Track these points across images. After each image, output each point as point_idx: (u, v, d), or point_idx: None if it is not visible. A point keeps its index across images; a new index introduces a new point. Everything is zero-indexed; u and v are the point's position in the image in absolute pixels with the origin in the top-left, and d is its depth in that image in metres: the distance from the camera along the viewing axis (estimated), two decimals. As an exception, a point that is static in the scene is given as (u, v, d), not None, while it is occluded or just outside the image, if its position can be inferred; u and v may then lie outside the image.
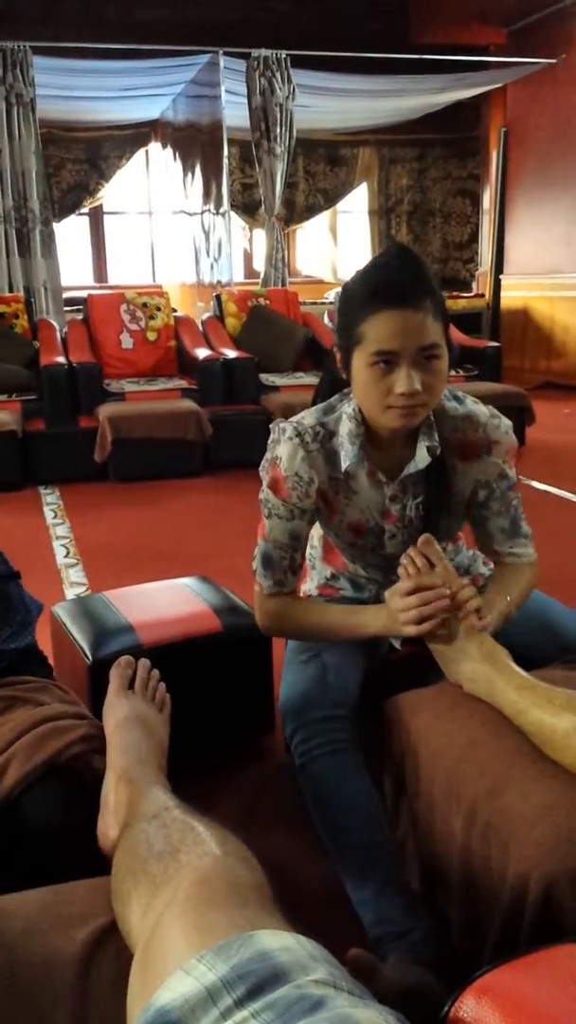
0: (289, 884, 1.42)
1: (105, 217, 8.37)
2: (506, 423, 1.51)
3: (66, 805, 1.18)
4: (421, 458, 1.43)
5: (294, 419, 1.51)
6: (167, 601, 1.95)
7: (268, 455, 1.51)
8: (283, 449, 1.47)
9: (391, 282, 1.32)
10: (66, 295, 6.59)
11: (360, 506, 1.52)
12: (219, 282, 6.78)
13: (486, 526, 1.56)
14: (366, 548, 1.58)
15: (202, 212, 7.08)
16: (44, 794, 1.18)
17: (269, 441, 1.52)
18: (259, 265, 7.46)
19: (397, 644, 1.62)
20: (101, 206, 8.22)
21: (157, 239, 8.46)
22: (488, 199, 8.35)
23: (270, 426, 1.54)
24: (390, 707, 1.44)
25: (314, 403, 1.57)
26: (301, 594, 1.75)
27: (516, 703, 1.24)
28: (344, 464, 1.45)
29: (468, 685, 1.34)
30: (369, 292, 1.33)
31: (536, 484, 4.33)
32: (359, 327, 1.32)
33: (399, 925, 1.25)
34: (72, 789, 1.21)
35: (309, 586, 1.76)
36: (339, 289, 1.44)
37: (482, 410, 1.51)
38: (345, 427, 1.46)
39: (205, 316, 5.86)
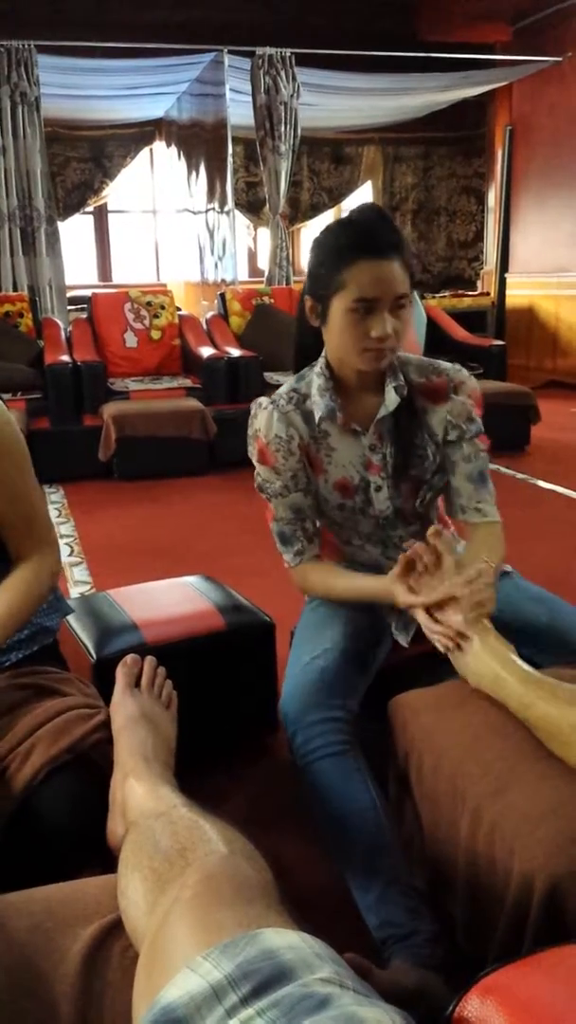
0: (295, 882, 1.43)
1: (109, 216, 8.37)
2: (467, 372, 1.63)
3: (84, 794, 1.21)
4: (390, 400, 1.54)
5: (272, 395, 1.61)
6: (171, 599, 1.96)
7: (249, 431, 1.61)
8: (260, 419, 1.58)
9: (372, 234, 1.44)
10: (70, 294, 6.59)
11: (342, 463, 1.60)
12: (223, 281, 6.78)
13: (455, 474, 1.60)
14: (356, 511, 1.63)
15: (206, 211, 7.08)
16: (64, 782, 1.20)
17: (249, 419, 1.61)
18: (263, 264, 7.46)
19: (404, 642, 1.62)
20: (105, 205, 8.23)
21: (161, 238, 8.47)
22: (493, 197, 8.34)
23: (250, 406, 1.62)
24: (394, 707, 1.43)
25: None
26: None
27: (522, 697, 1.24)
28: (317, 415, 1.55)
29: (474, 679, 1.34)
30: (351, 243, 1.44)
31: (541, 483, 4.33)
32: (340, 275, 1.43)
33: (403, 928, 1.25)
34: (91, 778, 1.23)
35: None
36: (313, 242, 1.53)
37: (444, 362, 1.63)
38: (315, 384, 1.58)
39: (209, 315, 5.86)
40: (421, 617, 1.39)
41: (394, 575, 1.42)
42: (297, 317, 1.63)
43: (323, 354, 1.58)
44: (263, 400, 1.60)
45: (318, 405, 1.56)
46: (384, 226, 1.46)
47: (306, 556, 1.61)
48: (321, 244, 1.50)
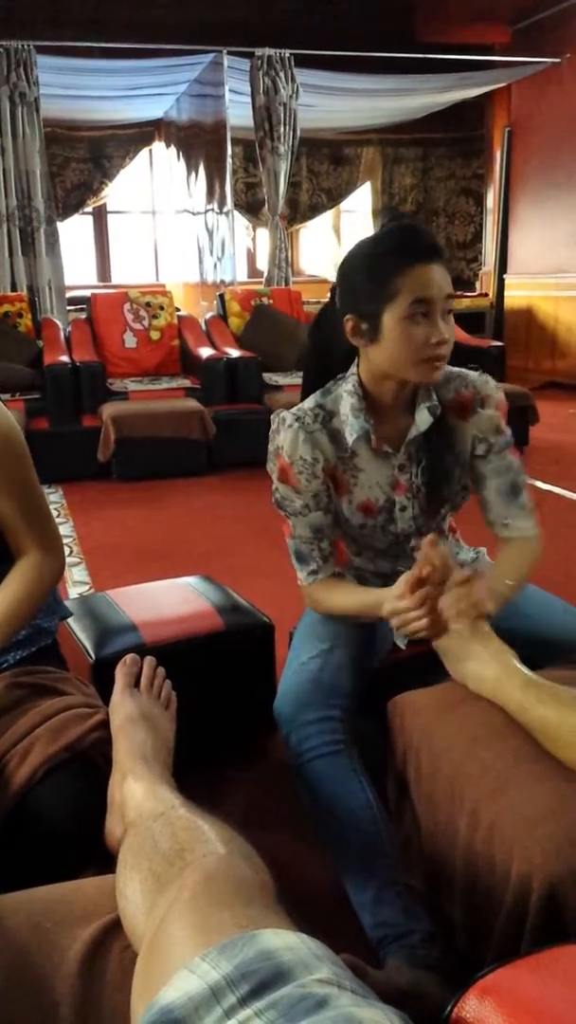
0: (292, 883, 1.42)
1: (109, 216, 8.38)
2: (492, 380, 1.60)
3: (83, 793, 1.21)
4: (423, 420, 1.50)
5: (294, 408, 1.54)
6: (170, 600, 1.96)
7: (271, 447, 1.54)
8: (284, 437, 1.51)
9: (415, 239, 1.43)
10: (70, 294, 6.59)
11: (367, 484, 1.55)
12: (222, 281, 6.79)
13: (485, 489, 1.58)
14: (376, 529, 1.60)
15: (206, 211, 7.08)
16: (63, 781, 1.20)
17: (271, 432, 1.55)
18: (262, 264, 7.46)
19: (401, 644, 1.62)
20: (105, 205, 8.23)
21: (161, 238, 8.47)
22: (492, 198, 8.34)
23: (271, 417, 1.57)
24: (393, 707, 1.43)
25: (303, 399, 1.60)
26: None
27: (522, 700, 1.24)
28: (350, 438, 1.50)
29: (474, 683, 1.34)
30: (398, 250, 1.41)
31: (540, 484, 4.33)
32: (393, 282, 1.39)
33: (399, 928, 1.25)
34: (90, 777, 1.23)
35: None
36: (345, 261, 1.49)
37: (467, 370, 1.59)
38: (346, 403, 1.51)
39: (208, 315, 5.86)
40: (399, 606, 1.34)
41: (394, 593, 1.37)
42: (315, 340, 1.60)
43: (354, 372, 1.53)
44: (287, 416, 1.52)
45: (351, 426, 1.50)
46: (424, 231, 1.47)
47: (320, 576, 1.57)
48: (362, 259, 1.45)
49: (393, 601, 1.35)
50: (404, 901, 1.28)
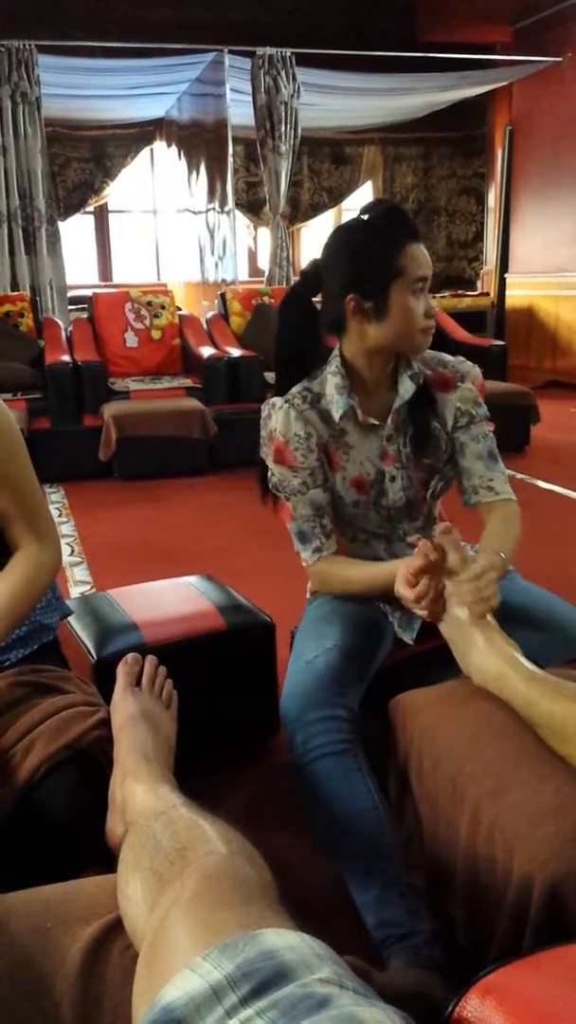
0: (294, 883, 1.42)
1: (110, 216, 8.38)
2: (470, 362, 1.70)
3: (84, 790, 1.21)
4: (406, 389, 1.60)
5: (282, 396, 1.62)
6: (171, 599, 1.96)
7: (264, 432, 1.62)
8: (276, 418, 1.59)
9: (406, 220, 1.54)
10: (71, 294, 6.60)
11: (358, 459, 1.63)
12: (224, 281, 6.79)
13: (466, 455, 1.64)
14: (369, 504, 1.66)
15: (207, 211, 7.08)
16: (64, 779, 1.20)
17: (262, 420, 1.62)
18: (264, 263, 7.46)
19: (409, 639, 1.62)
20: (106, 205, 8.23)
21: (162, 238, 8.47)
22: (493, 197, 8.34)
23: (261, 407, 1.64)
24: (395, 706, 1.43)
25: (279, 390, 1.66)
26: (308, 592, 1.76)
27: (526, 695, 1.23)
28: (337, 415, 1.58)
29: (478, 677, 1.33)
30: (396, 230, 1.52)
31: (541, 483, 4.33)
32: (399, 260, 1.50)
33: (402, 928, 1.25)
34: (91, 775, 1.23)
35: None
36: (337, 245, 1.58)
37: (445, 354, 1.70)
38: (331, 383, 1.60)
39: (209, 315, 5.86)
40: (402, 589, 1.38)
41: (404, 570, 1.39)
42: (287, 331, 1.66)
43: (336, 354, 1.61)
44: (276, 400, 1.61)
45: (337, 404, 1.58)
46: (405, 212, 1.57)
47: (324, 553, 1.62)
48: (361, 239, 1.54)
49: (403, 589, 1.38)
50: (407, 901, 1.28)
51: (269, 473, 1.62)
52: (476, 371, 1.69)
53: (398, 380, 1.61)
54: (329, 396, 1.59)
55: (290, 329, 1.67)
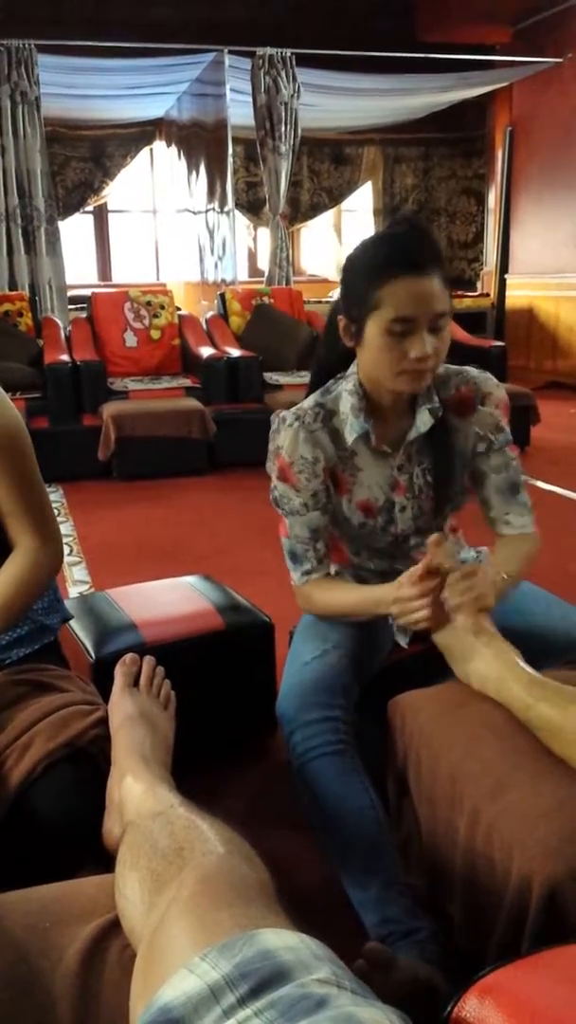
0: (292, 882, 1.42)
1: (110, 215, 8.37)
2: (493, 377, 1.58)
3: (82, 789, 1.21)
4: (423, 422, 1.49)
5: (294, 407, 1.54)
6: (170, 599, 1.96)
7: (271, 446, 1.54)
8: (284, 436, 1.50)
9: (407, 250, 1.37)
10: (70, 293, 6.59)
11: (367, 483, 1.55)
12: (223, 281, 6.78)
13: (484, 486, 1.57)
14: (376, 529, 1.59)
15: (206, 211, 7.08)
16: (62, 777, 1.20)
17: (271, 433, 1.54)
18: (263, 264, 7.46)
19: (403, 643, 1.62)
20: (106, 204, 8.23)
21: (161, 237, 8.47)
22: (493, 198, 8.34)
23: (271, 417, 1.56)
24: (393, 707, 1.43)
25: (308, 395, 1.59)
26: None
27: (525, 699, 1.23)
28: (349, 438, 1.49)
29: (477, 682, 1.33)
30: (386, 260, 1.36)
31: (541, 484, 4.33)
32: (376, 293, 1.35)
33: (405, 925, 1.25)
34: (89, 774, 1.23)
35: None
36: (345, 258, 1.47)
37: (468, 367, 1.57)
38: (346, 403, 1.50)
39: (209, 315, 5.86)
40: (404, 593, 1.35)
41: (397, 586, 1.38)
42: (325, 336, 1.56)
43: (354, 372, 1.52)
44: (287, 415, 1.51)
45: (351, 426, 1.49)
46: (421, 239, 1.39)
47: (313, 576, 1.56)
48: (355, 261, 1.43)
49: (398, 590, 1.36)
50: (407, 900, 1.28)
51: (272, 485, 1.55)
52: (500, 391, 1.56)
53: (416, 408, 1.50)
54: (343, 416, 1.50)
55: (327, 336, 1.56)
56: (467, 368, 1.56)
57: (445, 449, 1.53)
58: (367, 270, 1.38)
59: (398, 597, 1.35)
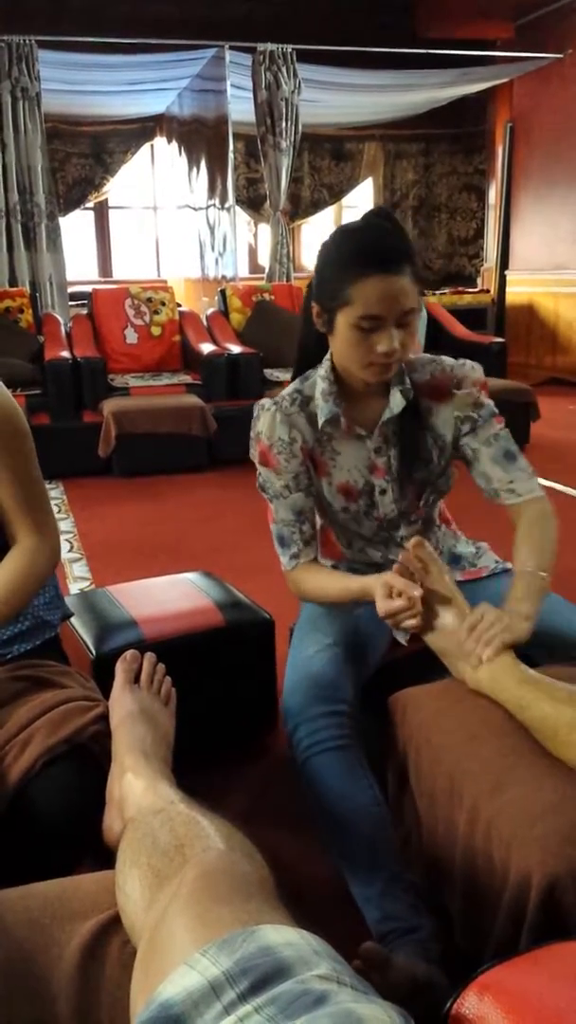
0: (292, 878, 1.43)
1: (110, 212, 8.36)
2: (471, 363, 1.58)
3: (82, 785, 1.21)
4: (396, 403, 1.52)
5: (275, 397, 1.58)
6: (170, 596, 1.96)
7: (252, 434, 1.58)
8: (263, 421, 1.56)
9: (377, 248, 1.39)
10: (71, 289, 6.58)
11: (346, 466, 1.58)
12: (224, 277, 6.78)
13: (480, 462, 1.56)
14: (360, 514, 1.61)
15: (207, 207, 7.07)
16: (62, 773, 1.20)
17: (252, 421, 1.59)
18: (264, 260, 7.45)
19: (402, 640, 1.62)
20: (106, 200, 8.21)
21: (162, 234, 8.46)
22: (494, 194, 8.33)
23: (253, 406, 1.60)
24: (394, 703, 1.44)
25: (293, 379, 1.63)
26: None
27: (520, 698, 1.24)
28: (320, 420, 1.53)
29: (471, 681, 1.34)
30: (355, 257, 1.39)
31: (541, 481, 4.30)
32: (346, 290, 1.39)
33: (406, 922, 1.25)
34: (89, 770, 1.23)
35: None
36: (321, 247, 1.50)
37: (446, 357, 1.60)
38: (319, 387, 1.55)
39: (210, 311, 5.85)
40: (381, 604, 1.36)
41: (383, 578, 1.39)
42: (303, 319, 1.58)
43: (328, 357, 1.55)
44: (266, 402, 1.57)
45: (322, 410, 1.53)
46: (392, 236, 1.42)
47: (301, 560, 1.58)
48: (327, 254, 1.46)
49: (384, 604, 1.36)
50: (410, 897, 1.29)
51: (257, 472, 1.59)
52: (475, 372, 1.58)
53: (390, 391, 1.53)
54: (316, 400, 1.55)
55: (304, 318, 1.58)
56: (442, 357, 1.59)
57: (415, 430, 1.55)
58: (338, 264, 1.42)
59: (388, 610, 1.36)
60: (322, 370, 1.55)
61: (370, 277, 1.36)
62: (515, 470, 1.56)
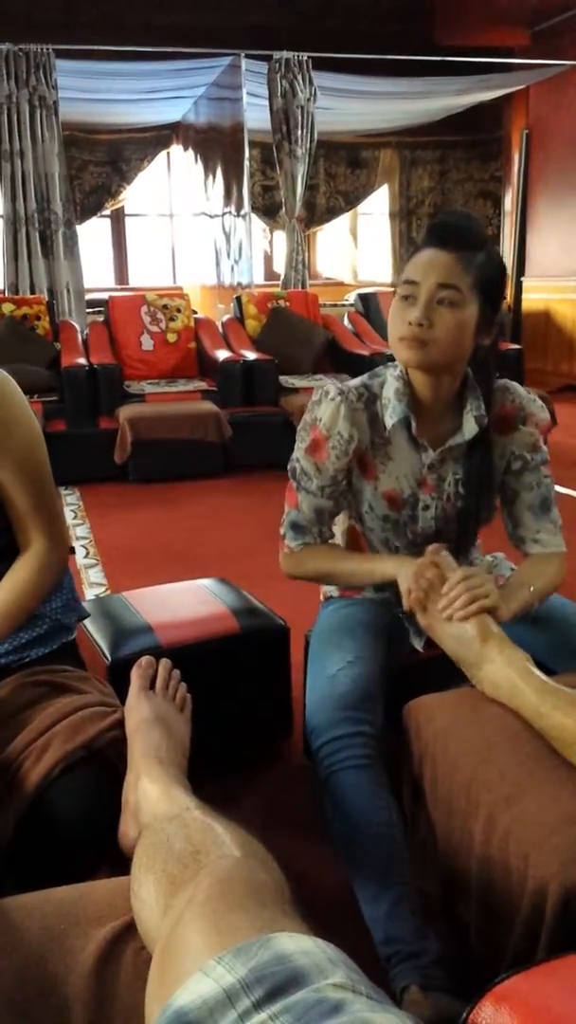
0: (307, 886, 1.42)
1: (127, 219, 8.40)
2: (540, 401, 1.58)
3: (99, 790, 1.21)
4: (468, 428, 1.50)
5: (340, 384, 1.55)
6: (186, 602, 1.96)
7: (308, 416, 1.54)
8: (324, 409, 1.52)
9: (442, 226, 1.45)
10: (88, 297, 6.62)
11: (396, 473, 1.55)
12: (239, 284, 6.79)
13: (516, 504, 1.57)
14: (399, 524, 1.59)
15: (223, 214, 7.09)
16: (79, 778, 1.20)
17: (310, 403, 1.55)
18: (279, 267, 7.47)
19: (418, 646, 1.62)
20: (123, 208, 8.26)
21: (178, 241, 8.49)
22: (510, 201, 8.31)
23: (315, 389, 1.57)
24: (409, 711, 1.43)
25: None
26: (322, 596, 1.75)
27: (538, 707, 1.23)
28: (389, 421, 1.50)
29: (490, 689, 1.33)
30: (423, 236, 1.46)
31: (558, 488, 4.29)
32: (407, 262, 1.45)
33: (409, 946, 1.23)
34: (106, 776, 1.24)
35: (331, 589, 1.74)
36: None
37: (518, 385, 1.59)
38: (391, 387, 1.52)
39: (225, 318, 5.87)
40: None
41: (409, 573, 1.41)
42: None
43: None
44: (331, 389, 1.52)
45: (392, 409, 1.50)
46: (458, 222, 1.46)
47: (312, 546, 1.59)
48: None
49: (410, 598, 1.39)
50: (417, 920, 1.26)
51: (293, 457, 1.55)
52: (543, 413, 1.56)
53: (463, 414, 1.50)
54: (386, 400, 1.51)
55: None
56: (515, 385, 1.58)
57: (487, 461, 1.53)
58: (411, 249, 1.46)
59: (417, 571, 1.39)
60: (396, 370, 1.53)
61: (425, 249, 1.43)
62: (547, 521, 1.57)
